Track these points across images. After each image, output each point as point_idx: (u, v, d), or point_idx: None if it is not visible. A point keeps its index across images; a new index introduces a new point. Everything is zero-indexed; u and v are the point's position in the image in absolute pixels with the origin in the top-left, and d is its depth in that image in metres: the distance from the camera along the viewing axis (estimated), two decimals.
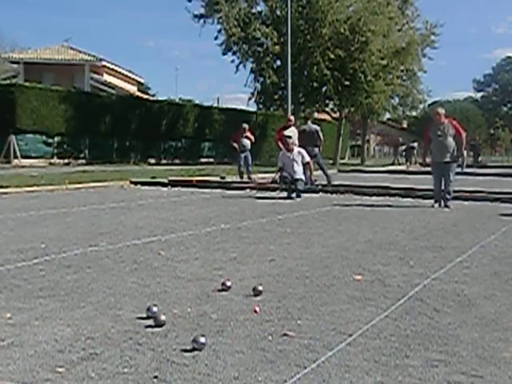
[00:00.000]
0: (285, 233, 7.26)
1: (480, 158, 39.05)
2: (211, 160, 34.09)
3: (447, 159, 10.50)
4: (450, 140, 10.52)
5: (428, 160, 11.56)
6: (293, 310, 3.83)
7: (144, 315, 3.61)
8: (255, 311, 3.78)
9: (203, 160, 33.84)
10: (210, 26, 32.17)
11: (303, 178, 12.43)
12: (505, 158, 62.74)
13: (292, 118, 16.28)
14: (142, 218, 8.42)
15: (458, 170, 11.50)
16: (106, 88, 37.46)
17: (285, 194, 12.32)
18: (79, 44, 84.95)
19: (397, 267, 5.24)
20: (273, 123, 37.64)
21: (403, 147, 38.40)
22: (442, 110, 10.79)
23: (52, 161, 26.86)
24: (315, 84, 31.47)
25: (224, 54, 32.49)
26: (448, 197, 10.65)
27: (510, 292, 4.42)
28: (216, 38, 32.13)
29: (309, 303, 4.02)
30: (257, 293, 4.14)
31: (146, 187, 14.59)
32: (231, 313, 3.76)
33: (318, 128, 15.24)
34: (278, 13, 32.08)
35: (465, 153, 12.27)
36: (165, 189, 14.18)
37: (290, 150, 12.49)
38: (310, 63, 30.83)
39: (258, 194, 12.95)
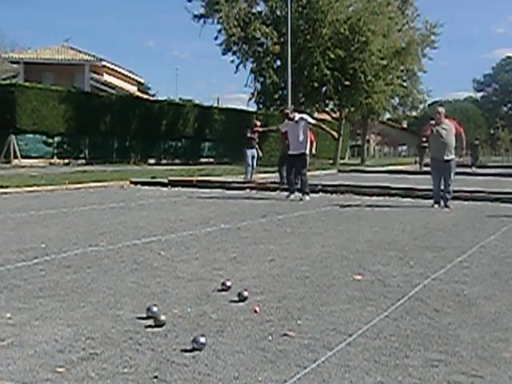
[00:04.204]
0: (285, 233, 7.26)
1: (479, 159, 37.85)
2: (211, 160, 34.08)
3: (447, 157, 10.50)
4: (450, 139, 10.52)
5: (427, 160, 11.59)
6: (293, 310, 3.83)
7: (144, 315, 3.61)
8: (255, 311, 3.78)
9: (203, 160, 33.84)
10: (210, 25, 32.25)
11: (307, 152, 11.86)
12: (504, 158, 62.67)
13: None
14: (141, 218, 8.42)
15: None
16: (106, 88, 37.46)
17: (285, 193, 12.31)
18: (79, 44, 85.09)
19: (397, 267, 5.24)
20: (273, 123, 37.63)
21: (404, 147, 37.44)
22: (442, 109, 10.80)
23: (52, 161, 26.85)
24: (315, 84, 31.45)
25: (224, 53, 32.51)
26: (448, 196, 10.63)
27: (510, 292, 4.42)
28: (216, 38, 32.18)
29: (309, 303, 4.02)
30: (242, 298, 4.02)
31: (146, 187, 14.58)
32: (231, 313, 3.76)
33: None
34: (278, 13, 32.09)
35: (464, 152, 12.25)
36: (165, 189, 14.18)
37: (291, 119, 11.83)
38: (310, 63, 30.82)
39: (258, 194, 12.95)
